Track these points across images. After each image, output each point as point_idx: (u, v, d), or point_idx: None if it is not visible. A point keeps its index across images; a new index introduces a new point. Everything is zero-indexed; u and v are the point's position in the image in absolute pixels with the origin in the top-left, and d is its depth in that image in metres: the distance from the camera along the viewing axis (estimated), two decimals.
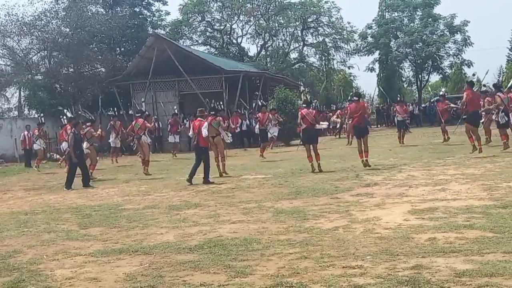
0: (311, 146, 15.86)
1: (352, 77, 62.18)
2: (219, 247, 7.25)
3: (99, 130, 19.87)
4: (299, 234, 7.78)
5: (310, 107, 16.83)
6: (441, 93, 26.56)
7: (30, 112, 38.58)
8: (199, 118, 15.60)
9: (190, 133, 15.91)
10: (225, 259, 6.64)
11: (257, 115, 25.64)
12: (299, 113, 16.45)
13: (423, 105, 47.35)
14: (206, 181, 14.65)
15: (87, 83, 36.74)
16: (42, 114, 26.46)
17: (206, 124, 15.12)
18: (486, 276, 5.35)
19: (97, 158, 19.45)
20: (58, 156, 28.78)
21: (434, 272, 5.58)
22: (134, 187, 15.04)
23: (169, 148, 29.46)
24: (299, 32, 53.07)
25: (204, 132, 14.90)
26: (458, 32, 48.67)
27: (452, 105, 22.59)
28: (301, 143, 17.38)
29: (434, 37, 48.12)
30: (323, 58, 54.36)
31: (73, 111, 26.45)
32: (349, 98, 21.78)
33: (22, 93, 38.78)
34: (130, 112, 35.97)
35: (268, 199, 11.13)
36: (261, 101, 31.39)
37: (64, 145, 20.51)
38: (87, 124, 18.69)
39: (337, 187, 12.13)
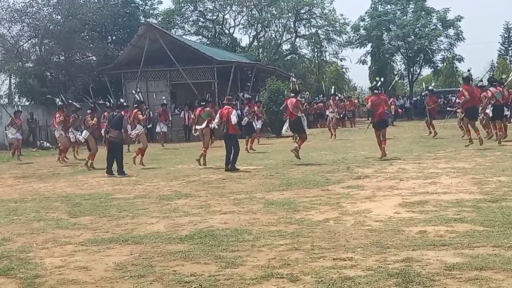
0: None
1: (344, 70, 62.19)
2: (209, 237, 7.24)
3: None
4: (290, 225, 7.78)
5: (298, 96, 16.63)
6: (430, 87, 26.48)
7: (21, 99, 38.31)
8: (226, 106, 15.56)
9: (216, 121, 15.79)
10: (216, 249, 6.63)
11: (246, 107, 24.99)
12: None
13: (414, 99, 47.44)
14: (232, 167, 14.73)
15: (78, 71, 36.52)
16: (7, 103, 25.23)
17: (235, 111, 15.21)
18: (476, 269, 5.37)
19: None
20: (48, 144, 28.60)
21: (425, 265, 5.59)
22: (125, 177, 14.97)
23: (158, 137, 29.31)
24: (291, 23, 52.95)
25: (234, 119, 14.96)
26: (451, 27, 48.72)
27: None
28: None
29: (427, 30, 48.13)
30: (315, 50, 54.31)
31: (64, 98, 25.78)
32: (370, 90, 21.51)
33: (12, 80, 38.48)
34: (122, 100, 35.74)
35: (259, 190, 11.13)
36: (246, 94, 31.19)
37: (57, 133, 20.12)
38: (87, 112, 18.33)
39: (328, 179, 12.14)
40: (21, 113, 24.61)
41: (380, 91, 16.93)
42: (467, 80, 18.32)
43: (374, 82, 17.64)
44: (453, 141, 19.97)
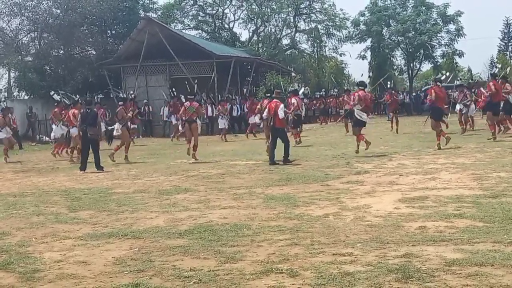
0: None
1: (343, 65, 62.07)
2: (209, 232, 7.24)
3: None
4: (289, 220, 7.77)
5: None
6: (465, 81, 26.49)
7: (20, 93, 38.28)
8: (274, 100, 15.44)
9: (265, 114, 15.56)
10: (215, 244, 6.63)
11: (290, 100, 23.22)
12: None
13: (413, 94, 47.41)
14: (286, 160, 14.59)
15: (77, 66, 36.43)
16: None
17: (282, 105, 15.08)
18: (476, 265, 5.37)
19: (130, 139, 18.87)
20: (47, 139, 28.53)
21: (424, 260, 5.59)
22: (124, 171, 14.98)
23: (158, 132, 29.19)
24: (291, 18, 52.86)
25: (281, 114, 14.91)
26: (451, 22, 48.62)
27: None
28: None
29: (427, 26, 48.02)
30: (315, 45, 54.23)
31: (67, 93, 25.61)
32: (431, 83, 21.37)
33: (12, 74, 38.45)
34: (121, 95, 35.69)
35: (259, 185, 11.12)
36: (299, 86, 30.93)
37: (74, 130, 18.65)
38: (119, 104, 18.12)
39: (328, 174, 12.14)
40: (9, 110, 22.34)
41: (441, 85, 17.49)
42: (494, 76, 19.35)
43: (440, 75, 17.90)
44: (452, 136, 19.93)
